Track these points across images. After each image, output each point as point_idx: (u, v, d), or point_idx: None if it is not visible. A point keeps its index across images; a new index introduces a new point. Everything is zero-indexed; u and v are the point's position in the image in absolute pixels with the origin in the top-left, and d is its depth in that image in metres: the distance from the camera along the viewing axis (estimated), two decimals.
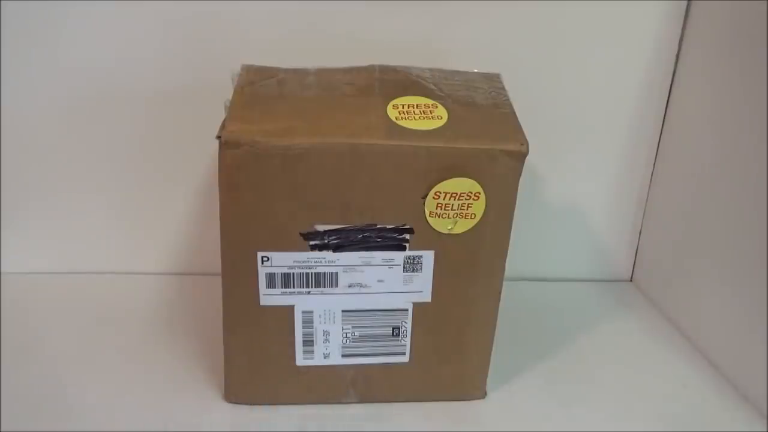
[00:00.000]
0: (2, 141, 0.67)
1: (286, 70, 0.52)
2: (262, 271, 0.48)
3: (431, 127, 0.46)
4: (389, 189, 0.46)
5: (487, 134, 0.47)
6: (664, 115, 0.72)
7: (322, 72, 0.52)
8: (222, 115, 0.46)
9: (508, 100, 0.51)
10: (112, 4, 0.63)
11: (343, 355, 0.52)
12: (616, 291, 0.78)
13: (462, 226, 0.48)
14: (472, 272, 0.50)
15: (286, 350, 0.51)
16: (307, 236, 0.47)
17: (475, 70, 0.54)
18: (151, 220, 0.72)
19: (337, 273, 0.49)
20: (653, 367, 0.62)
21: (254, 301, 0.49)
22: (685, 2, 0.67)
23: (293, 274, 0.48)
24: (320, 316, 0.50)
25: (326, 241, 0.47)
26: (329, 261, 0.48)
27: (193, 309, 0.67)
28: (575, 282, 0.78)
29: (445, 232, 0.48)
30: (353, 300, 0.50)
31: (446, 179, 0.46)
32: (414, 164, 0.45)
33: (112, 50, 0.65)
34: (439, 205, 0.47)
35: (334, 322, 0.50)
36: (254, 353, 0.51)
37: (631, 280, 0.80)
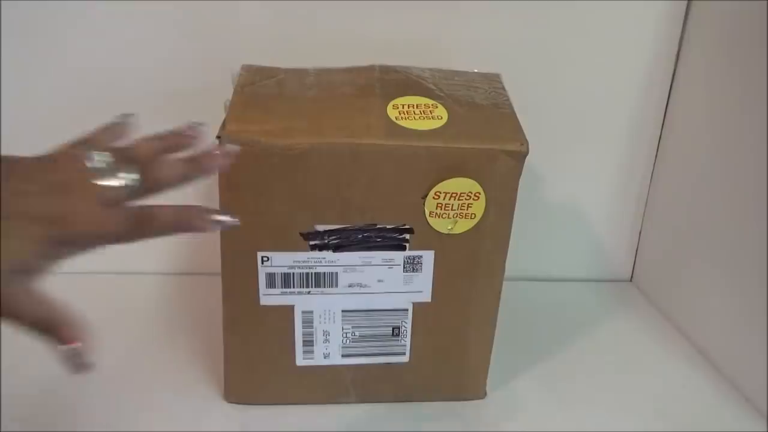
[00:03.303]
0: (3, 141, 0.67)
1: (286, 70, 0.52)
2: (262, 271, 0.48)
3: (431, 127, 0.46)
4: (389, 189, 0.46)
5: (487, 134, 0.47)
6: (664, 115, 0.72)
7: (322, 72, 0.52)
8: (222, 115, 0.46)
9: (508, 100, 0.51)
10: (112, 4, 0.63)
11: (343, 355, 0.52)
12: (616, 291, 0.78)
13: (462, 226, 0.48)
14: (472, 272, 0.50)
15: (286, 350, 0.51)
16: (307, 236, 0.47)
17: (475, 70, 0.54)
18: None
19: (337, 273, 0.49)
20: (653, 367, 0.62)
21: (254, 301, 0.49)
22: (685, 2, 0.67)
23: (293, 274, 0.48)
24: (320, 316, 0.50)
25: (326, 241, 0.47)
26: (329, 261, 0.48)
27: (193, 309, 0.67)
28: (575, 282, 0.78)
29: (445, 232, 0.48)
30: (353, 300, 0.50)
31: (446, 179, 0.46)
32: (414, 164, 0.45)
33: (112, 51, 0.65)
34: (439, 205, 0.47)
35: (334, 322, 0.50)
36: (254, 353, 0.51)
37: (631, 280, 0.80)
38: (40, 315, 0.28)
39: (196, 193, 0.72)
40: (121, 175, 0.29)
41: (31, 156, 0.30)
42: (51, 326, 0.28)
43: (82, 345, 0.28)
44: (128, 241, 0.29)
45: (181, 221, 0.31)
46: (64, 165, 0.29)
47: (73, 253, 0.28)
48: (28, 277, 0.27)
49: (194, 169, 0.32)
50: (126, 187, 0.29)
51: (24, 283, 0.27)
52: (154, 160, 0.31)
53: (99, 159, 0.29)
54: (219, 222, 0.31)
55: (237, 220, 0.31)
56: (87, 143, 0.31)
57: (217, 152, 0.33)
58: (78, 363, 0.29)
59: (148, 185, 0.30)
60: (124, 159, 0.30)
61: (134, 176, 0.29)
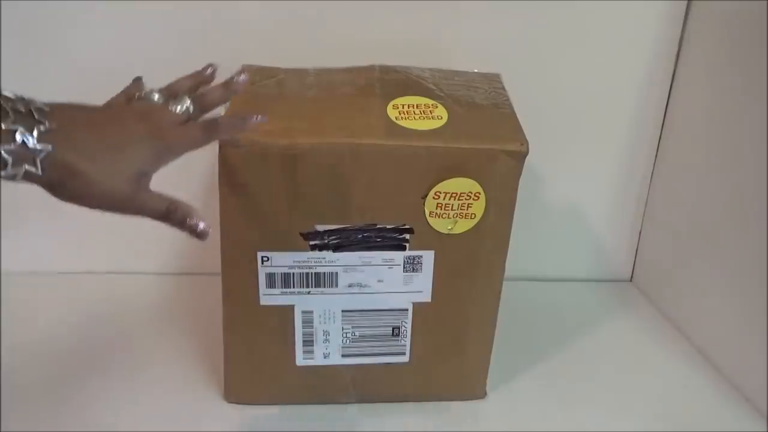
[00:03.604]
0: None
1: (286, 70, 0.52)
2: (262, 271, 0.48)
3: (431, 127, 0.46)
4: (389, 189, 0.46)
5: (487, 134, 0.47)
6: (664, 115, 0.72)
7: (322, 72, 0.52)
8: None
9: (508, 100, 0.51)
10: (112, 4, 0.63)
11: (343, 355, 0.52)
12: (616, 291, 0.78)
13: (462, 226, 0.48)
14: (472, 272, 0.50)
15: (286, 350, 0.51)
16: (307, 236, 0.47)
17: (475, 70, 0.54)
18: (151, 220, 0.72)
19: (337, 273, 0.49)
20: (653, 367, 0.62)
21: (254, 301, 0.49)
22: (685, 2, 0.67)
23: (293, 274, 0.48)
24: (320, 316, 0.50)
25: (326, 241, 0.47)
26: (329, 261, 0.48)
27: (193, 309, 0.67)
28: (575, 282, 0.78)
29: (445, 232, 0.48)
30: (353, 300, 0.50)
31: (446, 179, 0.46)
32: (414, 164, 0.45)
33: (113, 51, 0.65)
34: (439, 205, 0.47)
35: (334, 322, 0.50)
36: (254, 353, 0.51)
37: (631, 280, 0.80)
38: (162, 206, 0.36)
39: (197, 191, 0.72)
40: (183, 103, 0.39)
41: (103, 105, 0.40)
42: (171, 212, 0.36)
43: (197, 222, 0.37)
44: (205, 144, 0.38)
45: (236, 122, 0.41)
46: (139, 104, 0.39)
47: (170, 160, 0.37)
48: (147, 180, 0.36)
49: (226, 90, 0.42)
50: (187, 110, 0.39)
51: (146, 184, 0.36)
52: (197, 90, 0.42)
53: (156, 96, 0.39)
54: (253, 120, 0.41)
55: (265, 118, 0.41)
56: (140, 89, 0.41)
57: (238, 79, 0.43)
58: (198, 233, 0.37)
59: (201, 107, 0.40)
60: (174, 93, 0.40)
61: (188, 103, 0.39)
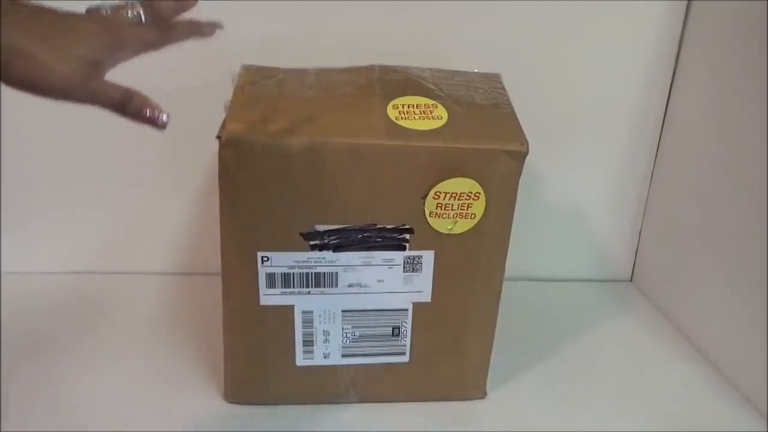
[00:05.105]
0: (3, 140, 0.67)
1: (286, 70, 0.52)
2: (262, 271, 0.48)
3: (431, 127, 0.46)
4: (389, 189, 0.46)
5: (487, 134, 0.47)
6: (664, 115, 0.72)
7: (322, 72, 0.52)
8: (222, 115, 0.46)
9: (508, 100, 0.51)
10: (112, 4, 0.63)
11: (343, 355, 0.52)
12: (616, 291, 0.78)
13: (462, 226, 0.48)
14: (472, 272, 0.50)
15: (286, 350, 0.51)
16: (307, 236, 0.47)
17: (475, 70, 0.54)
18: (151, 220, 0.72)
19: (337, 273, 0.49)
20: (653, 367, 0.62)
21: (254, 301, 0.49)
22: (685, 2, 0.68)
23: (293, 274, 0.48)
24: (320, 316, 0.50)
25: (326, 241, 0.47)
26: (329, 261, 0.48)
27: (193, 309, 0.67)
28: (575, 282, 0.78)
29: (445, 232, 0.48)
30: (353, 300, 0.50)
31: (446, 179, 0.46)
32: (414, 164, 0.45)
33: None
34: (439, 205, 0.47)
35: (334, 322, 0.50)
36: (254, 353, 0.51)
37: (631, 280, 0.80)
38: (117, 94, 0.35)
39: (196, 193, 0.72)
40: (134, 9, 0.40)
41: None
42: (127, 101, 0.35)
43: (156, 112, 0.36)
44: (160, 47, 0.40)
45: (192, 27, 0.43)
46: (90, 11, 0.39)
47: (124, 55, 0.38)
48: (101, 70, 0.36)
49: (178, 3, 0.43)
50: (138, 15, 0.40)
51: (100, 72, 0.36)
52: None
53: (109, 3, 0.40)
54: (209, 28, 0.43)
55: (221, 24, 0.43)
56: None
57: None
58: (158, 124, 0.36)
59: (152, 15, 0.41)
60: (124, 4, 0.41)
61: (140, 9, 0.40)
